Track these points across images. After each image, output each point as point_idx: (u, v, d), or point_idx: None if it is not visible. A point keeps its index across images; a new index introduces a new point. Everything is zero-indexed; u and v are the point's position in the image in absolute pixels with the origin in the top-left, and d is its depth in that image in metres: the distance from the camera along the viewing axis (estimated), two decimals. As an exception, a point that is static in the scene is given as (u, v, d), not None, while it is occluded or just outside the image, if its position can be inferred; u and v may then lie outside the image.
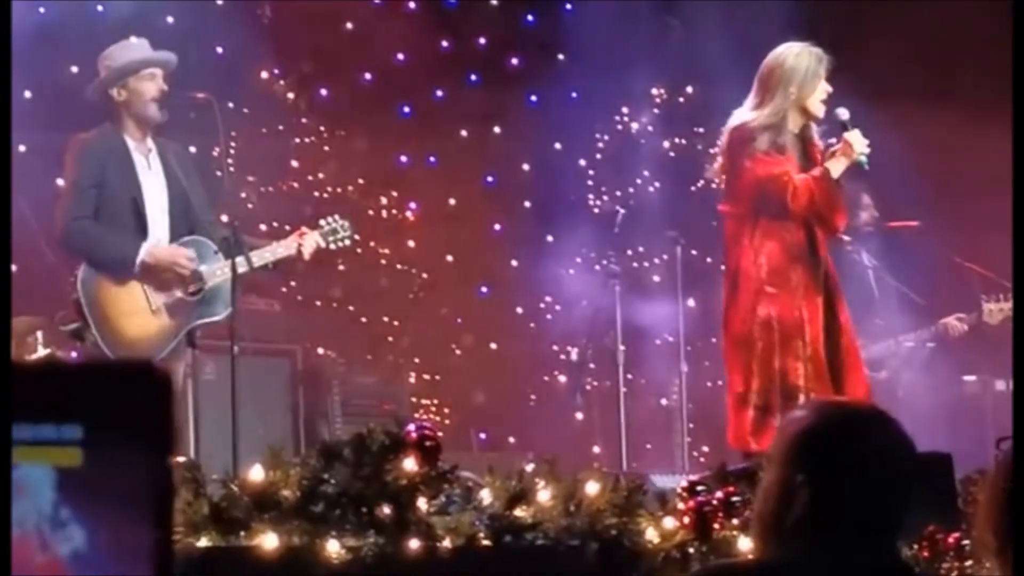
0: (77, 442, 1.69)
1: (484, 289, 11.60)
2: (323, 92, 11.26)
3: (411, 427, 5.39)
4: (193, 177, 7.48)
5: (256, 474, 5.16)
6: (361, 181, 11.16)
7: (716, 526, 5.65)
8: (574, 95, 11.37)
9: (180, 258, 7.24)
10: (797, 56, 7.54)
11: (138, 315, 7.20)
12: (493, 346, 11.46)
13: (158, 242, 7.28)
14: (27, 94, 9.71)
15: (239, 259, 7.11)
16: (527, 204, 11.63)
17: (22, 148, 9.63)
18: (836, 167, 7.46)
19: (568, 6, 11.46)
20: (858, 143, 7.44)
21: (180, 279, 7.25)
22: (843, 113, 7.52)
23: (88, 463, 1.69)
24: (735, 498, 5.74)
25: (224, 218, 7.59)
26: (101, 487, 1.68)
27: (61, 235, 7.31)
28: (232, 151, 8.71)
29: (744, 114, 7.54)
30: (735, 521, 5.69)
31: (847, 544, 2.95)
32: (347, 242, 7.83)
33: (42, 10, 9.62)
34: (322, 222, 7.73)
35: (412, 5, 11.40)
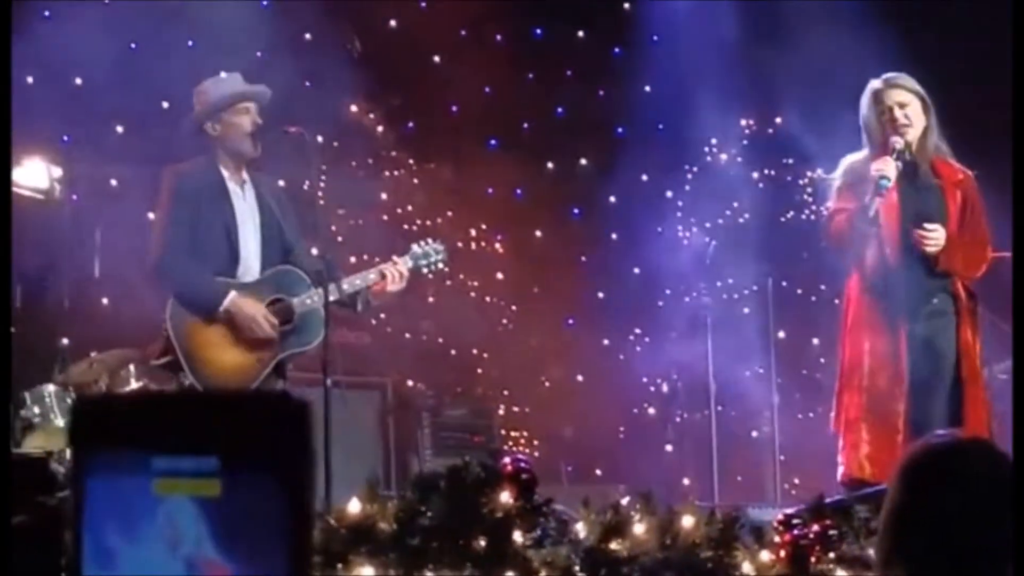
0: (215, 473, 1.70)
1: (571, 321, 11.60)
2: (411, 125, 11.31)
3: (507, 460, 5.40)
4: (287, 209, 7.48)
5: (353, 507, 5.18)
6: (450, 213, 11.19)
7: (813, 559, 5.61)
8: (661, 127, 11.35)
9: (260, 319, 7.15)
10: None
11: (227, 347, 7.16)
12: (580, 378, 11.44)
13: (248, 272, 7.27)
14: (119, 129, 9.81)
15: (331, 287, 7.09)
16: (614, 236, 11.61)
17: (113, 182, 9.73)
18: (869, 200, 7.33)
19: (655, 37, 11.44)
20: (880, 167, 7.28)
21: (256, 339, 7.19)
22: (897, 142, 7.36)
23: (227, 494, 1.69)
24: (831, 531, 5.70)
25: (314, 251, 7.58)
26: (240, 517, 1.69)
27: (153, 268, 7.29)
28: (322, 184, 8.75)
29: None
30: (831, 555, 5.64)
31: (940, 573, 2.93)
32: (440, 265, 7.72)
33: (133, 46, 9.71)
34: (414, 247, 7.64)
35: (499, 38, 11.43)
